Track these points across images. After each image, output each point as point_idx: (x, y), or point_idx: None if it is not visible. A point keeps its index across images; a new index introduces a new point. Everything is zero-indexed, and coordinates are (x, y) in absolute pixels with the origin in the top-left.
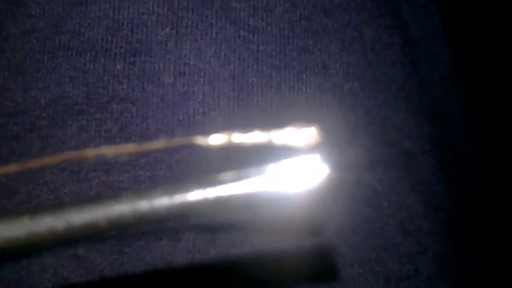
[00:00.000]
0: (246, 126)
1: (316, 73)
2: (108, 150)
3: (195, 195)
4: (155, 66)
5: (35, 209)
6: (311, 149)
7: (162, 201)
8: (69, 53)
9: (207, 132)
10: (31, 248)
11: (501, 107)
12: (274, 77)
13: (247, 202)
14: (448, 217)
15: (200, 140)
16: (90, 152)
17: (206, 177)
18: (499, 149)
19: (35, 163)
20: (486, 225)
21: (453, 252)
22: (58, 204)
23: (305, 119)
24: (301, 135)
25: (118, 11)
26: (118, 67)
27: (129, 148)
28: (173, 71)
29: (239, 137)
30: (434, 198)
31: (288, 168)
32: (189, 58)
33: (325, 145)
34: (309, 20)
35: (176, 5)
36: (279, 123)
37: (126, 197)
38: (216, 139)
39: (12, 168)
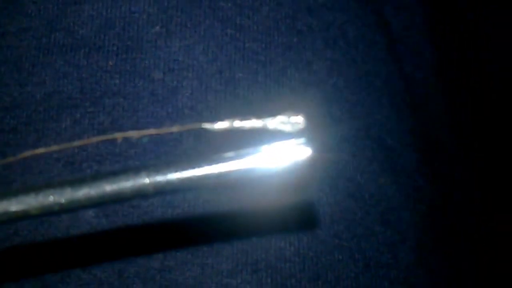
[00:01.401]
0: (232, 118)
1: (300, 69)
2: (134, 134)
3: (202, 170)
4: (145, 62)
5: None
6: (298, 133)
7: (175, 175)
8: (63, 50)
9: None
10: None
11: (490, 106)
12: (259, 72)
13: (244, 177)
14: (428, 208)
15: (208, 125)
16: (119, 135)
17: (211, 155)
18: (490, 147)
19: (74, 144)
20: (464, 216)
21: (431, 242)
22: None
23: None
24: (290, 122)
25: (111, 10)
26: (110, 63)
27: (151, 131)
28: (163, 67)
29: (238, 123)
30: (414, 190)
31: (278, 149)
32: (178, 55)
33: (310, 131)
34: (293, 19)
35: (166, 4)
36: (264, 115)
37: (145, 170)
38: (220, 125)
39: (49, 149)
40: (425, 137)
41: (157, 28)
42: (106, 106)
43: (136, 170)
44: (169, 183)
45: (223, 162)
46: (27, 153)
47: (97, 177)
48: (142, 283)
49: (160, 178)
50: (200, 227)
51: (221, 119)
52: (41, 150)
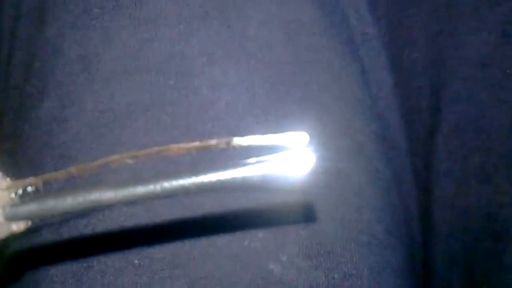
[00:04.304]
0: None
1: (296, 89)
2: (182, 146)
3: (223, 175)
4: (195, 82)
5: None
6: (303, 146)
7: (207, 178)
8: (140, 72)
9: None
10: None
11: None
12: (276, 93)
13: (259, 181)
14: (385, 184)
15: (239, 140)
16: (171, 147)
17: (231, 162)
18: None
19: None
20: (415, 195)
21: (391, 216)
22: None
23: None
24: (296, 137)
25: (173, 45)
26: (171, 82)
27: (196, 144)
28: (207, 86)
29: (256, 139)
30: (376, 173)
31: (291, 157)
32: (218, 77)
33: (311, 144)
34: (297, 56)
35: (210, 43)
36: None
37: (185, 173)
38: (248, 140)
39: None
40: (384, 137)
41: (204, 59)
42: (168, 112)
43: (184, 172)
44: (204, 184)
45: (247, 166)
46: (102, 161)
47: (164, 177)
48: (171, 269)
49: (199, 179)
50: (225, 219)
51: (246, 134)
52: (114, 157)
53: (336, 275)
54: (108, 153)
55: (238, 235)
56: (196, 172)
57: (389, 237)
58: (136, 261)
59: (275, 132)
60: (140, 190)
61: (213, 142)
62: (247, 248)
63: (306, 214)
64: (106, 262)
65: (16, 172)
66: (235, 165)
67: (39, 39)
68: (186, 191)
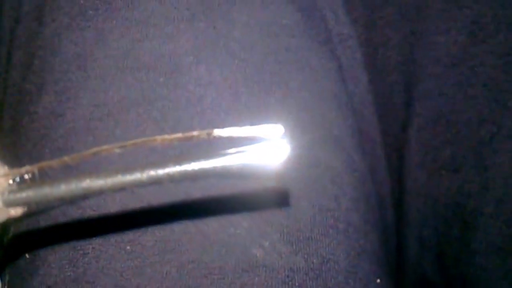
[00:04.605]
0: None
1: (277, 86)
2: (166, 138)
3: (204, 164)
4: (183, 79)
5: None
6: (279, 137)
7: (193, 166)
8: (132, 70)
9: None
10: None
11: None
12: (258, 91)
13: (238, 170)
14: (360, 174)
15: (219, 131)
16: (157, 138)
17: (211, 152)
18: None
19: (105, 149)
20: (389, 185)
21: (366, 205)
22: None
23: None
24: (272, 129)
25: (163, 46)
26: (161, 80)
27: (178, 136)
28: (194, 83)
29: (235, 131)
30: (352, 164)
31: (264, 148)
32: (204, 75)
33: (286, 136)
34: (277, 55)
35: (196, 43)
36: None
37: (170, 162)
38: (228, 132)
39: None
40: (359, 131)
41: (191, 58)
42: (158, 107)
43: (169, 161)
44: (187, 172)
45: (227, 156)
46: (93, 150)
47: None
48: (161, 254)
49: (182, 168)
50: (220, 202)
51: (228, 126)
52: (104, 147)
53: (315, 260)
54: (102, 144)
55: (224, 223)
56: (179, 161)
57: (364, 224)
58: (128, 247)
59: (252, 124)
60: (128, 178)
61: (195, 133)
62: (232, 235)
63: (282, 200)
64: (100, 248)
65: (15, 165)
66: (215, 155)
67: (38, 39)
68: (170, 179)
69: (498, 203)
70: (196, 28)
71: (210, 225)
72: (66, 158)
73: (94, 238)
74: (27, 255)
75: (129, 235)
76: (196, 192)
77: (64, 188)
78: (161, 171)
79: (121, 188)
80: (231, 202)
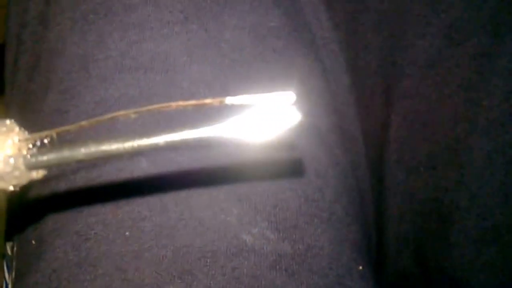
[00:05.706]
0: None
1: (264, 85)
2: (173, 104)
3: (217, 129)
4: (177, 76)
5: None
6: (289, 105)
7: (183, 135)
8: (131, 69)
9: None
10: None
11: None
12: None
13: (248, 133)
14: (343, 168)
15: (229, 100)
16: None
17: (223, 119)
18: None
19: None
20: (369, 181)
21: (348, 198)
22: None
23: None
24: (283, 96)
25: (158, 45)
26: (158, 78)
27: (191, 103)
28: (188, 80)
29: (247, 98)
30: (335, 158)
31: (279, 114)
32: (196, 72)
33: (296, 104)
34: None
35: (189, 43)
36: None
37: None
38: (231, 100)
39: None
40: (340, 125)
41: (184, 58)
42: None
43: (183, 128)
44: (202, 139)
45: (238, 122)
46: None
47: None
48: (157, 239)
49: (197, 132)
50: (217, 172)
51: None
52: (121, 113)
53: (300, 246)
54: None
55: (216, 210)
56: (193, 127)
57: (346, 216)
58: (127, 233)
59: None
60: (145, 142)
61: (207, 101)
62: (224, 222)
63: (295, 169)
64: (101, 234)
65: None
66: (229, 121)
67: (43, 42)
68: (184, 143)
69: (473, 198)
70: (190, 30)
71: (204, 212)
72: (83, 123)
73: (95, 224)
74: (33, 241)
75: (128, 222)
76: (205, 161)
77: (83, 151)
78: (176, 136)
79: (138, 152)
80: (242, 173)
